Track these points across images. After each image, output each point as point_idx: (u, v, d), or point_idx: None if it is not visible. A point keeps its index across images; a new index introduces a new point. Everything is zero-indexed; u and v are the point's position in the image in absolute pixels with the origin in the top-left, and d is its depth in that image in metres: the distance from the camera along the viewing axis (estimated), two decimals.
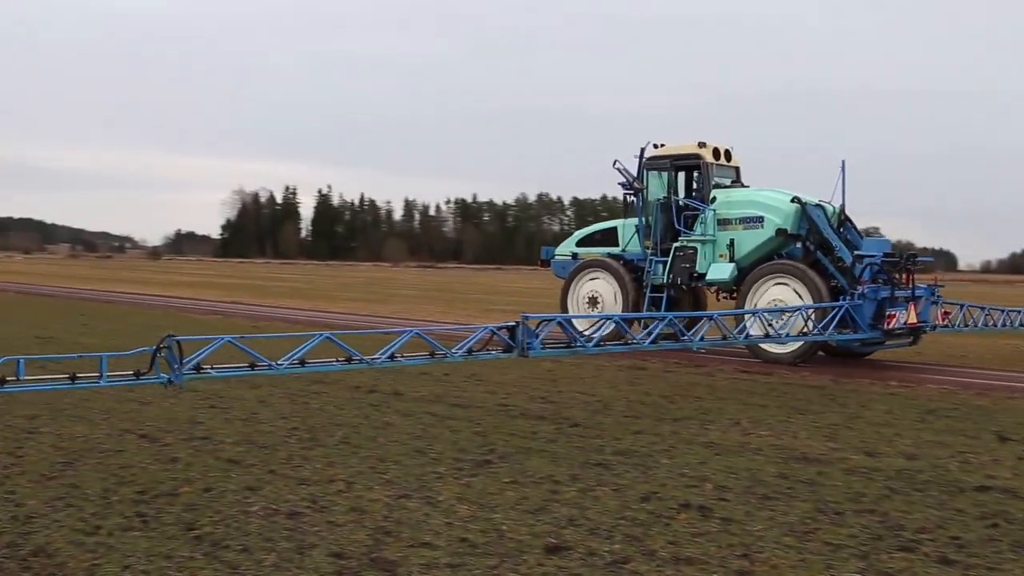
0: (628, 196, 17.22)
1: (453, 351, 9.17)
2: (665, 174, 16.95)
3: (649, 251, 16.97)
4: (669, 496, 6.31)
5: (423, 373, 12.36)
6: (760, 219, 15.83)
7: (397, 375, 12.03)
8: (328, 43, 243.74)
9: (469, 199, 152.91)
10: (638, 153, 16.98)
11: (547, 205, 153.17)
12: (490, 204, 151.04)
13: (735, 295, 16.08)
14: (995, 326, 16.07)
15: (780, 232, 15.56)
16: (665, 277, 16.60)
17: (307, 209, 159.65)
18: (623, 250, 17.56)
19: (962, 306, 15.61)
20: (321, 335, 8.17)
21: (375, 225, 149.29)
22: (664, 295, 16.69)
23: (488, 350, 9.19)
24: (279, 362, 7.84)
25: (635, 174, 16.93)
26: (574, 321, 10.43)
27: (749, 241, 15.93)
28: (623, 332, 11.20)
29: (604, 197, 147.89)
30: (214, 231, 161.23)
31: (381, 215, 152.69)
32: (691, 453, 7.75)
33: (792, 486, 6.69)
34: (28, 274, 51.55)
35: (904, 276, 14.59)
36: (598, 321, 10.79)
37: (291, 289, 39.84)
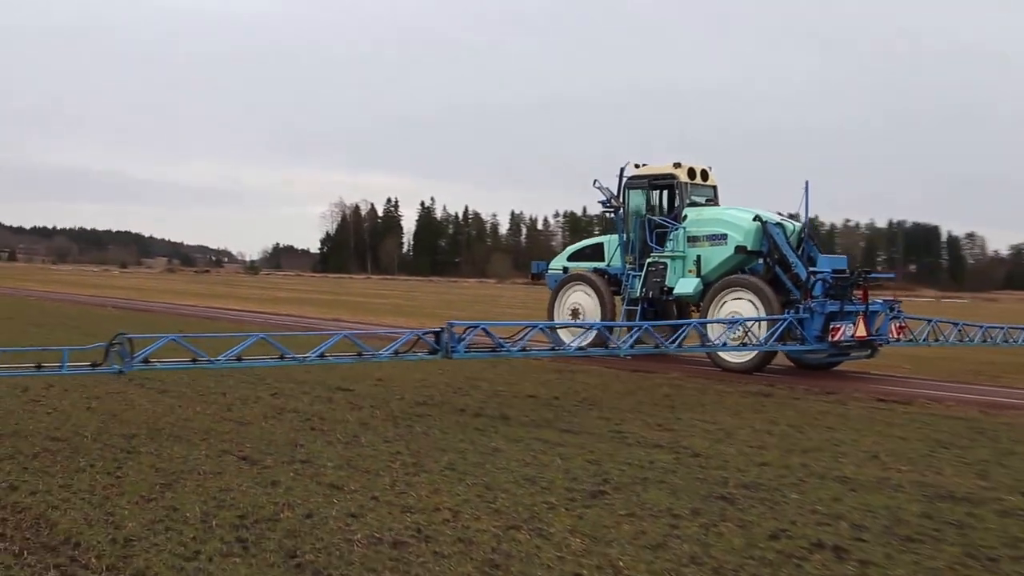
0: (608, 214, 19.55)
1: (381, 352, 11.11)
2: (643, 192, 19.10)
3: (628, 266, 19.08)
4: (800, 535, 6.15)
5: (531, 396, 12.41)
6: (724, 236, 17.80)
7: (503, 399, 12.10)
8: (434, 47, 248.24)
9: (578, 212, 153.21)
10: (619, 172, 19.17)
11: None
12: (601, 218, 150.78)
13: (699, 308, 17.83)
14: (971, 341, 17.91)
15: (739, 249, 17.51)
16: (639, 291, 18.65)
17: (409, 222, 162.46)
18: (608, 265, 19.73)
19: (930, 321, 17.49)
20: (256, 335, 10.47)
21: (479, 239, 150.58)
22: (639, 308, 18.47)
23: (415, 352, 11.15)
24: (219, 358, 9.91)
25: (615, 192, 19.09)
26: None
27: (715, 257, 17.88)
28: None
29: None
30: (313, 245, 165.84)
31: (486, 229, 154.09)
32: (823, 488, 7.54)
33: (938, 528, 6.45)
34: (126, 288, 53.84)
35: (860, 292, 16.35)
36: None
37: (393, 306, 40.52)
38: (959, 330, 17.75)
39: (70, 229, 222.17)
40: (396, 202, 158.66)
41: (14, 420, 9.62)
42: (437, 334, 11.44)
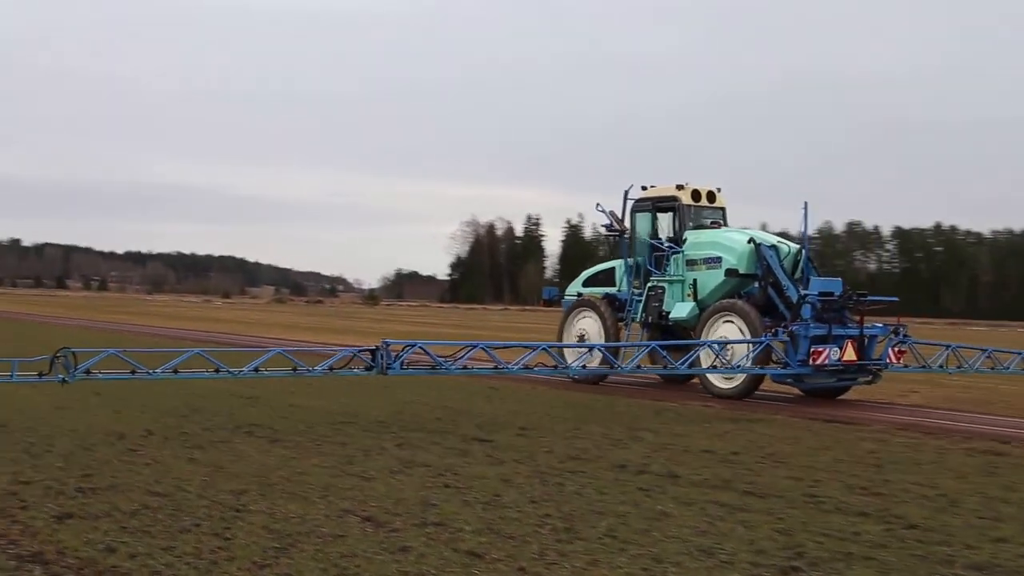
0: (610, 238, 22.42)
1: (315, 368, 13.87)
2: (649, 215, 21.85)
3: (635, 290, 21.69)
4: None
5: (704, 451, 12.28)
6: (719, 259, 20.32)
7: (671, 454, 12.01)
8: (580, 45, 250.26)
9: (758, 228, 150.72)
10: (623, 195, 21.89)
11: (860, 237, 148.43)
12: (782, 235, 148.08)
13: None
14: (1005, 369, 20.89)
15: (730, 272, 20.01)
16: (640, 315, 21.32)
17: (553, 243, 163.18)
18: (618, 290, 22.33)
19: (948, 347, 20.11)
20: (193, 350, 13.87)
21: None
22: (640, 332, 21.35)
23: (351, 368, 14.10)
24: (156, 370, 13.16)
25: (620, 215, 21.73)
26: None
27: (710, 281, 20.42)
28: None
29: (939, 226, 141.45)
30: (441, 271, 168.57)
31: None
32: None
33: None
34: (229, 322, 55.91)
35: (858, 316, 18.83)
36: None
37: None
38: (988, 357, 20.40)
39: (167, 254, 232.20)
40: (538, 220, 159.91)
41: (110, 472, 10.08)
42: (373, 352, 14.16)
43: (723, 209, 21.92)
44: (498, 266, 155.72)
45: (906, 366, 19.71)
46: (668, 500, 9.32)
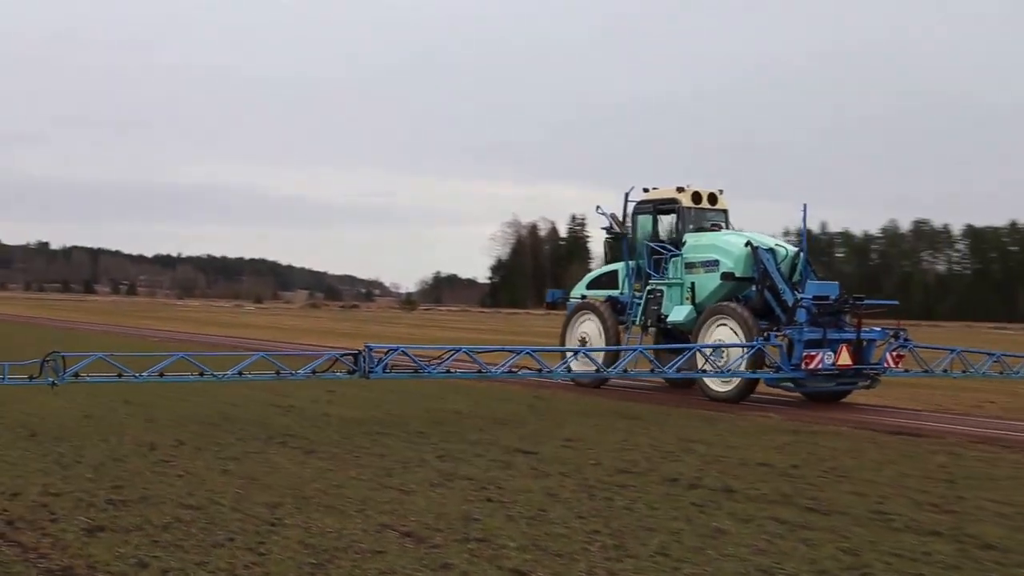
0: (609, 240, 23.71)
1: (298, 371, 15.32)
2: (650, 218, 22.82)
3: (636, 293, 22.69)
4: None
5: (761, 464, 12.20)
6: (716, 263, 21.15)
7: (726, 467, 11.95)
8: (623, 29, 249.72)
9: (816, 229, 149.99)
10: (623, 197, 23.07)
11: (928, 237, 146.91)
12: (845, 235, 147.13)
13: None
14: (1017, 373, 21.78)
15: (725, 276, 20.83)
16: (639, 318, 22.31)
17: (598, 244, 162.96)
18: (621, 292, 23.25)
19: (953, 351, 20.93)
20: (178, 354, 15.19)
21: None
22: (640, 335, 22.24)
23: (333, 372, 15.43)
24: (143, 374, 14.48)
25: (621, 218, 22.89)
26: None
27: (708, 284, 21.26)
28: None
29: (1014, 224, 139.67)
30: (480, 274, 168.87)
31: None
32: None
33: None
34: (262, 327, 56.31)
35: (855, 319, 19.64)
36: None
37: None
38: (996, 361, 21.40)
39: (197, 257, 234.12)
40: (583, 220, 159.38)
41: (142, 483, 10.17)
42: (355, 356, 15.38)
43: (725, 211, 22.84)
44: (541, 268, 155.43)
45: (907, 371, 20.60)
46: (723, 516, 9.27)
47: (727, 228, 22.45)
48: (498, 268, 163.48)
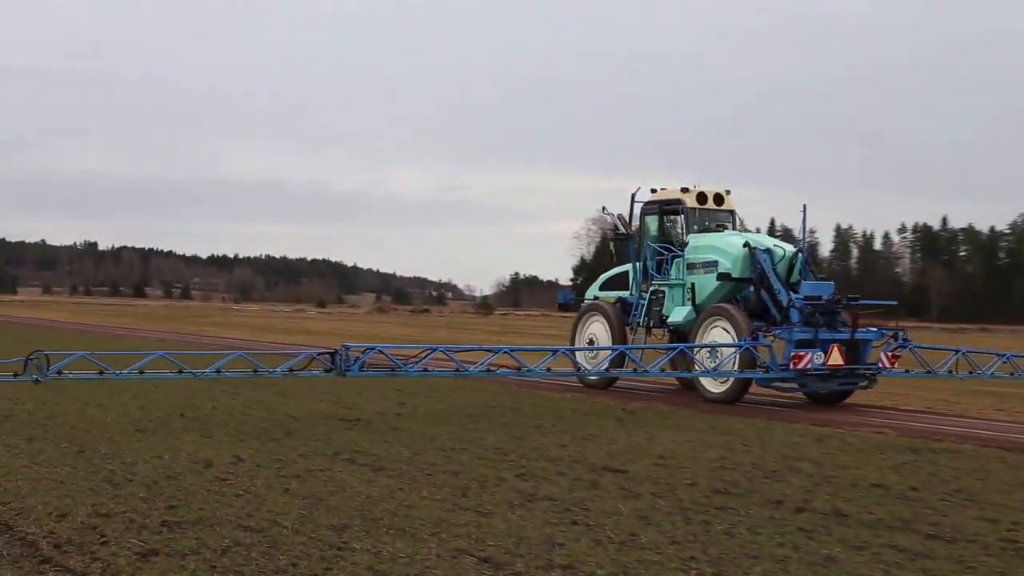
0: (614, 241, 26.11)
1: (276, 369, 17.12)
2: (656, 218, 24.86)
3: (643, 294, 24.67)
4: None
5: (876, 485, 12.06)
6: (715, 263, 23.00)
7: (837, 488, 11.83)
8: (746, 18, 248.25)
9: (936, 225, 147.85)
10: (630, 198, 25.18)
11: None
12: (969, 232, 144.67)
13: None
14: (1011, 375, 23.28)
15: (721, 276, 22.70)
16: (642, 319, 24.43)
17: None
18: (631, 293, 25.21)
19: (957, 352, 22.63)
20: (158, 353, 17.35)
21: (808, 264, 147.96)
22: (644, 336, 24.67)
23: (310, 370, 17.44)
24: (123, 371, 16.37)
25: (628, 218, 25.03)
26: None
27: (707, 285, 23.10)
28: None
29: None
30: (563, 275, 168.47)
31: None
32: None
33: None
34: (323, 333, 56.73)
35: (851, 319, 21.45)
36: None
37: None
38: (1006, 362, 22.98)
39: (255, 258, 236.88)
40: None
41: (198, 504, 10.31)
42: (332, 354, 17.25)
43: (732, 212, 24.74)
44: None
45: (907, 371, 22.46)
46: (834, 543, 9.18)
47: (734, 229, 24.37)
48: (581, 269, 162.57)
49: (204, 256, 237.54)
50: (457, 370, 18.68)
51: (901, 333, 21.95)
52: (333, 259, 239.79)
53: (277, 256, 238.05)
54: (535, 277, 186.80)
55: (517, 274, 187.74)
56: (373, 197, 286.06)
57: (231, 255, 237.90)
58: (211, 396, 20.12)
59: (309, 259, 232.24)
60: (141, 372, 16.55)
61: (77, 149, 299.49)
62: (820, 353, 20.63)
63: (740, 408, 20.76)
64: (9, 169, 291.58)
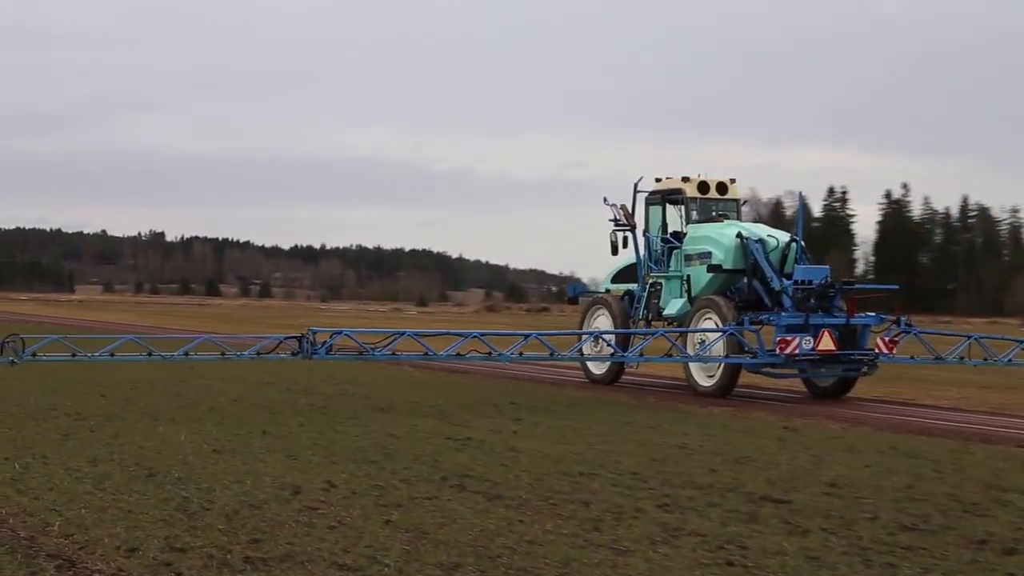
0: (615, 232, 28.72)
1: (244, 353, 21.34)
2: (660, 209, 28.40)
3: (645, 287, 28.32)
4: None
5: None
6: (709, 254, 26.23)
7: None
8: None
9: None
10: (632, 187, 28.60)
11: None
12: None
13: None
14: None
15: (712, 268, 25.97)
16: (642, 312, 28.04)
17: (866, 226, 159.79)
18: (639, 286, 28.71)
19: (969, 338, 25.85)
20: (127, 337, 22.50)
21: (990, 252, 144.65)
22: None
23: (277, 353, 21.49)
24: (95, 354, 20.61)
25: (631, 209, 28.41)
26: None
27: (701, 277, 26.36)
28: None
29: None
30: None
31: (999, 236, 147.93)
32: None
33: None
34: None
35: (848, 304, 24.58)
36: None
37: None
38: None
39: (345, 249, 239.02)
40: (844, 193, 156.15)
41: (285, 537, 10.42)
42: (299, 339, 20.89)
43: (736, 200, 28.43)
44: None
45: (912, 357, 26.08)
46: None
47: (738, 218, 27.94)
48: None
49: (286, 247, 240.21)
50: (426, 354, 22.76)
51: (904, 318, 24.95)
52: (435, 249, 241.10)
53: (370, 247, 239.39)
54: None
55: None
56: (481, 177, 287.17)
57: (317, 246, 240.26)
58: (297, 411, 20.40)
59: (407, 249, 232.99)
60: (112, 355, 20.94)
61: (142, 125, 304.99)
62: (809, 338, 23.65)
63: (925, 425, 20.42)
64: (64, 148, 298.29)
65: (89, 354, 20.56)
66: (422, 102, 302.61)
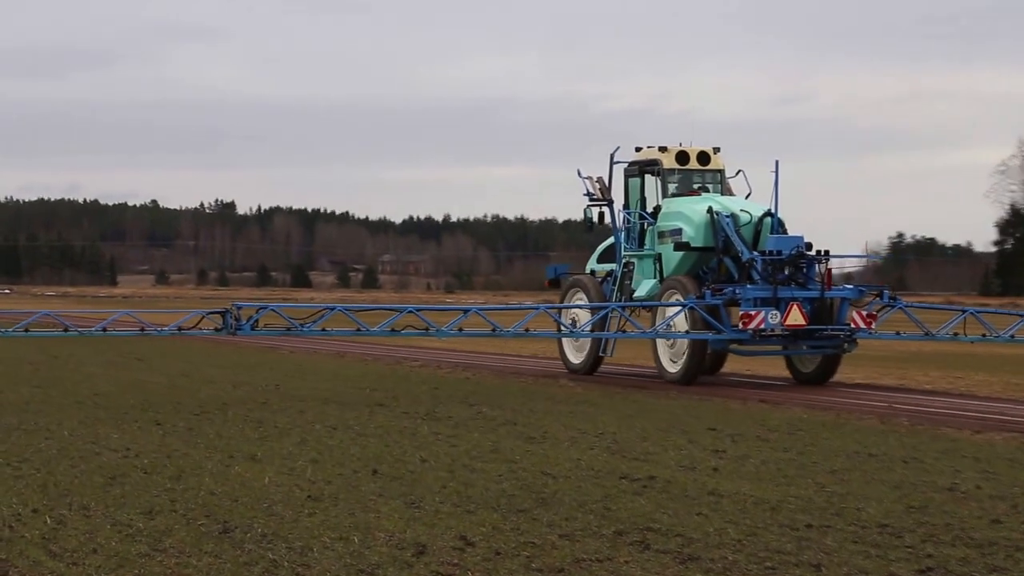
0: (590, 208, 34.60)
1: (164, 328, 31.02)
2: (638, 181, 33.87)
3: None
4: None
5: None
6: (679, 231, 31.50)
7: None
8: None
9: None
10: (609, 159, 34.59)
11: None
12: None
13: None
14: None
15: (679, 246, 31.47)
16: (615, 294, 33.64)
17: None
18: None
19: (964, 311, 31.72)
20: (41, 312, 35.95)
21: None
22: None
23: (200, 328, 30.53)
24: (8, 330, 31.20)
25: (608, 181, 34.26)
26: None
27: (672, 257, 31.82)
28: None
29: None
30: (979, 237, 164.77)
31: None
32: None
33: None
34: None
35: (824, 275, 30.18)
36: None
37: None
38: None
39: (475, 221, 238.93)
40: None
41: None
42: (223, 313, 27.25)
43: (720, 171, 33.79)
44: None
45: (898, 332, 32.50)
46: None
47: (721, 190, 33.36)
48: (1012, 225, 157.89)
49: (397, 220, 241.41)
50: (358, 329, 29.42)
51: (887, 291, 30.51)
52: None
53: (510, 217, 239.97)
54: (931, 240, 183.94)
55: (900, 236, 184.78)
56: (659, 118, 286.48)
57: (438, 218, 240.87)
58: (419, 441, 20.39)
59: (560, 220, 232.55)
60: (27, 330, 28.39)
61: (201, 59, 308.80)
62: (776, 313, 28.59)
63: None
64: (100, 93, 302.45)
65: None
66: (577, 21, 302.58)
